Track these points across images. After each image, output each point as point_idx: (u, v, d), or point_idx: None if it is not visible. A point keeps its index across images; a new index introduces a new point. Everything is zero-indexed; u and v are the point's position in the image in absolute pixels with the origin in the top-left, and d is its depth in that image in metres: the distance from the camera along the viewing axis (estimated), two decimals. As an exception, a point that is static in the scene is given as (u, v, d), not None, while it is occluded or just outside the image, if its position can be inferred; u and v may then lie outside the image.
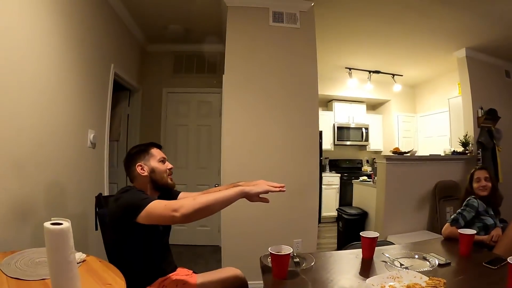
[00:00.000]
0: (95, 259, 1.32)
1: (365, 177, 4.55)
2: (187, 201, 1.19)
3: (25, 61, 1.69)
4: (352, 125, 6.12)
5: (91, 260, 1.31)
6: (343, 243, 3.62)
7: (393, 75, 5.32)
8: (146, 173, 1.48)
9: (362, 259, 1.48)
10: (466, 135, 4.10)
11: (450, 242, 1.82)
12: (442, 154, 4.30)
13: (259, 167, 2.80)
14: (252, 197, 1.27)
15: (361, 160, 6.51)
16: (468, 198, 2.09)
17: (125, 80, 3.36)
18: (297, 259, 1.39)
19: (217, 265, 3.02)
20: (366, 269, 1.37)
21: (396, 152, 3.70)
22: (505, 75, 4.57)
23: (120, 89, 3.54)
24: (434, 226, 3.56)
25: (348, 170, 6.08)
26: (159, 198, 1.40)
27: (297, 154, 2.88)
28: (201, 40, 3.84)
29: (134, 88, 3.78)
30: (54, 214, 1.84)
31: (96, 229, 1.64)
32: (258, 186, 1.29)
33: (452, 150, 4.14)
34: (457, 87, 4.61)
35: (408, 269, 1.28)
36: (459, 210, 2.03)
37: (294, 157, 2.87)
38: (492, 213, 2.06)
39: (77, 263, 1.19)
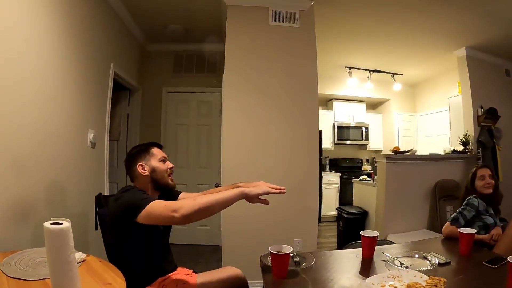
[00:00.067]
0: (95, 259, 1.32)
1: (365, 176, 4.55)
2: (187, 201, 1.19)
3: (24, 61, 1.69)
4: (352, 124, 6.12)
5: (91, 260, 1.32)
6: (343, 242, 3.62)
7: (393, 74, 5.32)
8: (147, 173, 1.48)
9: (362, 258, 1.48)
10: (466, 134, 4.10)
11: (450, 241, 1.81)
12: (442, 153, 4.30)
13: (259, 166, 2.80)
14: (252, 198, 1.27)
15: (361, 159, 6.51)
16: (469, 197, 2.08)
17: (125, 79, 3.35)
18: (297, 259, 1.39)
19: (217, 264, 3.03)
20: (366, 268, 1.37)
21: (396, 151, 3.70)
22: (505, 74, 4.57)
23: (120, 89, 3.54)
24: (434, 225, 3.57)
25: (348, 169, 6.08)
26: (160, 198, 1.40)
27: (297, 153, 2.87)
28: (201, 39, 3.84)
29: (134, 87, 3.77)
30: (54, 213, 1.85)
31: (96, 228, 1.64)
32: (258, 187, 1.29)
33: (452, 149, 4.14)
34: (457, 86, 4.61)
35: (408, 268, 1.28)
36: (459, 209, 2.03)
37: (294, 156, 2.87)
38: (492, 212, 2.06)
39: (77, 263, 1.19)
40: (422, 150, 5.47)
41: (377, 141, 6.36)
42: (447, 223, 1.96)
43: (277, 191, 1.31)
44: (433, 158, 3.93)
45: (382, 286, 1.11)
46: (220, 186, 2.95)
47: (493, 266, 1.33)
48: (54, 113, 1.98)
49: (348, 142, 6.10)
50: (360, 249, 1.52)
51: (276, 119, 2.87)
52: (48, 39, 1.91)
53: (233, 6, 2.90)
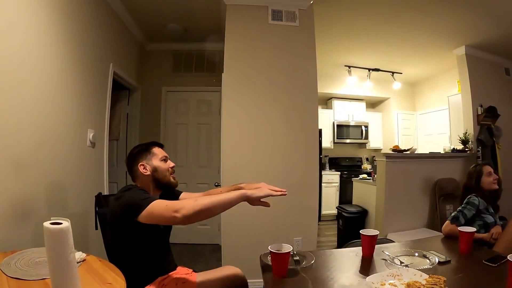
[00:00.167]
0: (95, 259, 1.32)
1: (365, 175, 4.55)
2: (189, 202, 1.19)
3: (23, 61, 1.68)
4: (352, 123, 6.12)
5: (91, 259, 1.32)
6: (343, 241, 3.63)
7: (393, 73, 5.32)
8: (148, 172, 1.48)
9: (362, 257, 1.48)
10: (466, 132, 4.10)
11: (450, 240, 1.82)
12: (442, 151, 4.30)
13: (259, 165, 2.80)
14: (254, 201, 1.27)
15: (361, 158, 6.52)
16: (469, 196, 2.08)
17: (124, 79, 3.35)
18: (297, 257, 1.39)
19: (217, 263, 3.03)
20: (366, 267, 1.37)
21: (396, 150, 3.70)
22: (504, 72, 4.57)
23: (119, 88, 3.54)
24: (434, 224, 3.57)
25: (348, 168, 6.09)
26: (161, 197, 1.41)
27: (296, 152, 2.87)
28: (200, 38, 3.83)
29: (134, 87, 3.77)
30: (53, 213, 1.86)
31: (96, 228, 1.63)
32: (260, 190, 1.29)
33: (451, 148, 4.15)
34: (456, 84, 4.61)
35: (408, 267, 1.28)
36: (459, 208, 2.03)
37: (294, 155, 2.87)
38: (493, 211, 2.06)
39: (77, 263, 1.19)
40: (422, 149, 5.48)
41: (377, 140, 6.36)
42: (447, 222, 1.96)
43: (279, 193, 1.31)
44: (432, 156, 3.94)
45: (382, 284, 1.11)
46: (220, 185, 2.96)
47: (493, 265, 1.33)
48: (53, 112, 1.98)
49: (348, 141, 6.10)
50: (360, 248, 1.52)
51: (275, 118, 2.87)
52: (47, 39, 1.91)
53: (232, 5, 2.89)
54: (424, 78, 5.83)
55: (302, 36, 2.96)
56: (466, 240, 1.53)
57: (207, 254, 3.62)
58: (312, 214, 2.90)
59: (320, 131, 5.31)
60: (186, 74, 4.10)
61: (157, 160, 1.52)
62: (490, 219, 1.99)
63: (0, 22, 1.50)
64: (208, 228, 3.93)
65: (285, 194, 1.32)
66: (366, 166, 6.22)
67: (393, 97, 6.16)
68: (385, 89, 5.94)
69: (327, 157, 6.17)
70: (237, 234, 2.76)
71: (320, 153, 5.05)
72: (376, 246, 1.50)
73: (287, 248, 1.24)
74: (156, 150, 1.55)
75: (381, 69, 5.19)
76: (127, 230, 1.33)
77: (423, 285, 1.06)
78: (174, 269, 1.56)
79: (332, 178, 5.71)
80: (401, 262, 1.35)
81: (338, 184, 5.72)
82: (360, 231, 1.50)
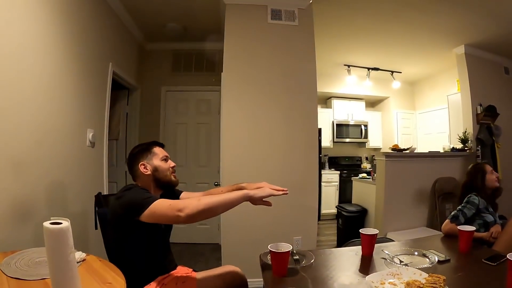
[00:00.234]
0: (95, 258, 1.32)
1: (364, 174, 4.55)
2: (192, 201, 1.20)
3: (22, 61, 1.68)
4: (351, 122, 6.12)
5: (91, 259, 1.32)
6: (342, 240, 3.63)
7: (392, 72, 5.32)
8: (149, 172, 1.48)
9: (362, 256, 1.48)
10: (465, 131, 4.11)
11: (449, 238, 1.82)
12: (441, 151, 4.31)
13: (259, 164, 2.80)
14: (256, 201, 1.29)
15: (360, 157, 6.52)
16: (469, 195, 2.08)
17: (124, 78, 3.35)
18: (297, 257, 1.39)
19: (217, 263, 3.03)
20: (366, 266, 1.37)
21: (395, 149, 3.70)
22: (504, 71, 4.57)
23: (118, 88, 3.53)
24: (433, 223, 3.58)
25: (348, 167, 6.09)
26: (162, 196, 1.41)
27: (296, 152, 2.87)
28: (200, 38, 3.83)
29: (133, 86, 3.77)
30: (53, 213, 1.86)
31: (96, 228, 1.63)
32: (262, 190, 1.31)
33: (451, 147, 4.15)
34: (456, 83, 4.61)
35: (407, 266, 1.28)
36: (459, 207, 2.03)
37: (294, 155, 2.87)
38: (492, 210, 2.06)
39: (77, 262, 1.19)
40: (421, 148, 5.48)
41: (376, 139, 6.36)
42: (447, 221, 1.96)
43: (280, 193, 1.34)
44: (432, 156, 3.94)
45: (381, 283, 1.11)
46: (219, 184, 2.96)
47: (493, 264, 1.33)
48: (53, 112, 1.98)
49: (347, 140, 6.10)
50: (360, 247, 1.52)
51: (275, 117, 2.87)
52: (46, 38, 1.90)
53: (232, 4, 2.89)
54: (424, 77, 5.83)
55: (302, 36, 2.96)
56: (466, 239, 1.54)
57: (207, 254, 3.62)
58: (311, 213, 2.90)
59: (320, 130, 5.30)
60: (185, 74, 4.10)
61: (157, 159, 1.52)
62: (490, 218, 1.99)
63: (-1, 21, 1.50)
64: (208, 228, 3.93)
65: (286, 193, 1.35)
66: (366, 165, 6.21)
67: (392, 96, 6.16)
68: (385, 88, 5.94)
69: (327, 157, 6.17)
70: (237, 234, 2.76)
71: (320, 152, 5.06)
72: (376, 245, 1.50)
73: (286, 247, 1.25)
74: (157, 149, 1.55)
75: (380, 68, 5.19)
76: (128, 229, 1.33)
77: (423, 284, 1.06)
78: (174, 268, 1.56)
79: (331, 177, 5.71)
80: (401, 261, 1.35)
81: (337, 183, 5.73)
82: (359, 230, 1.50)
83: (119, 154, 3.73)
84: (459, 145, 4.08)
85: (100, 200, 1.68)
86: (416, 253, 1.46)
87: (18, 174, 1.63)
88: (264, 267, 1.33)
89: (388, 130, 6.27)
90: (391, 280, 1.13)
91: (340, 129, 6.04)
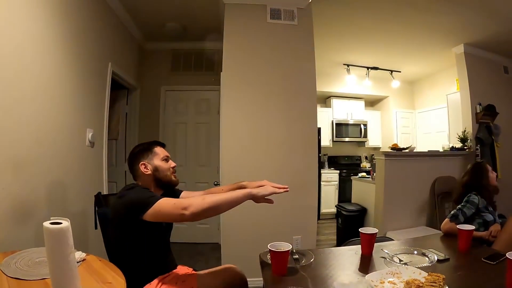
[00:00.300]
0: (95, 258, 1.32)
1: (364, 174, 4.55)
2: (197, 200, 1.22)
3: (21, 60, 1.68)
4: (351, 122, 6.12)
5: (91, 259, 1.32)
6: (342, 240, 3.64)
7: (391, 71, 5.32)
8: (149, 172, 1.49)
9: (361, 255, 1.48)
10: (465, 131, 4.11)
11: (449, 238, 1.82)
12: (441, 150, 4.31)
13: (258, 164, 2.80)
14: (259, 199, 1.32)
15: (360, 156, 6.52)
16: (469, 194, 2.08)
17: (123, 78, 3.34)
18: (297, 256, 1.40)
19: (217, 262, 3.03)
20: (366, 265, 1.38)
21: (395, 148, 3.71)
22: (503, 70, 4.58)
23: (118, 88, 3.53)
24: (433, 222, 3.58)
25: (347, 166, 6.09)
26: (163, 196, 1.41)
27: (295, 151, 2.87)
28: (199, 37, 3.83)
29: (132, 86, 3.76)
30: (53, 213, 1.85)
31: (96, 228, 1.63)
32: (264, 188, 1.33)
33: (450, 146, 4.16)
34: (455, 83, 4.62)
35: (407, 265, 1.29)
36: (459, 206, 2.03)
37: (293, 154, 2.87)
38: (492, 209, 2.07)
39: (77, 262, 1.19)
40: (421, 147, 5.49)
41: (376, 138, 6.36)
42: (446, 220, 1.96)
43: (282, 190, 1.36)
44: (431, 155, 3.94)
45: (381, 282, 1.11)
46: (219, 184, 2.96)
47: (492, 262, 1.34)
48: (52, 112, 1.98)
49: (347, 139, 6.11)
50: (359, 246, 1.52)
51: (274, 116, 2.87)
52: (46, 38, 1.90)
53: (231, 4, 2.89)
54: (423, 76, 5.83)
55: (301, 35, 2.96)
56: (465, 238, 1.54)
57: (206, 253, 3.62)
58: (311, 212, 2.90)
59: (319, 129, 5.30)
60: (185, 73, 4.10)
61: (158, 159, 1.52)
62: (489, 217, 1.99)
63: (-2, 21, 1.50)
64: (207, 227, 3.93)
65: (287, 191, 1.37)
66: (365, 164, 6.22)
67: (392, 95, 6.16)
68: (384, 88, 5.94)
69: (326, 156, 6.18)
70: (237, 233, 2.76)
71: (319, 151, 5.06)
72: (375, 244, 1.50)
73: (286, 246, 1.25)
74: (158, 149, 1.55)
75: (380, 67, 5.19)
76: (130, 228, 1.33)
77: (422, 283, 1.06)
78: (175, 267, 1.56)
79: (331, 176, 5.72)
80: (400, 260, 1.36)
81: (337, 182, 5.73)
82: (359, 230, 1.50)
83: (119, 154, 3.73)
84: (458, 144, 4.09)
85: (100, 200, 1.68)
86: (415, 252, 1.47)
87: (18, 174, 1.63)
88: (264, 266, 1.33)
89: (388, 129, 6.27)
90: (390, 279, 1.13)
91: (340, 128, 6.04)
